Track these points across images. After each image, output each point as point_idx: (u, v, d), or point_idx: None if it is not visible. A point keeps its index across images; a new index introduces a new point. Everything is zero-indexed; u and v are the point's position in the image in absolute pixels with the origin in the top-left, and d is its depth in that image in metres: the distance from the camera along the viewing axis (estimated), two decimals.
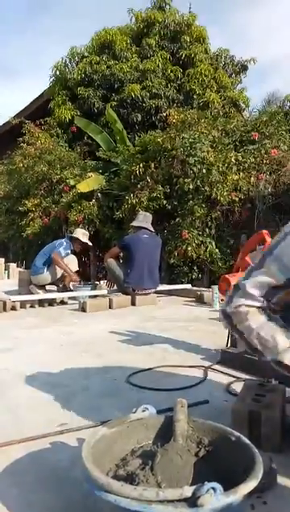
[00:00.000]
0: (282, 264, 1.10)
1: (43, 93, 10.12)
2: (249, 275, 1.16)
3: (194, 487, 0.67)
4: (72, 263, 4.76)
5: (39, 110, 9.98)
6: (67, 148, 8.67)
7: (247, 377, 1.81)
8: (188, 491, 0.67)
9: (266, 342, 1.10)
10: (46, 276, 4.61)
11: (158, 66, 8.66)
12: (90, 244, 5.31)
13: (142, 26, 9.27)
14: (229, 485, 0.72)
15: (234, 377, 1.83)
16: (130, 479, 0.80)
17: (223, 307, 1.22)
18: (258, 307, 1.14)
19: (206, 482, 0.67)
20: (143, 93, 8.41)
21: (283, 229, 1.18)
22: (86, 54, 9.37)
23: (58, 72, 9.52)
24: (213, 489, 0.66)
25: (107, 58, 8.96)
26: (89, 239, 5.11)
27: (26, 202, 8.17)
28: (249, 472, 0.76)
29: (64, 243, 4.71)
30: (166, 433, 0.96)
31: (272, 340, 1.09)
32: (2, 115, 10.35)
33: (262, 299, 1.13)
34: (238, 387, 1.64)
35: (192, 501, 0.66)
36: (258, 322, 1.12)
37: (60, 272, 4.64)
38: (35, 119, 9.30)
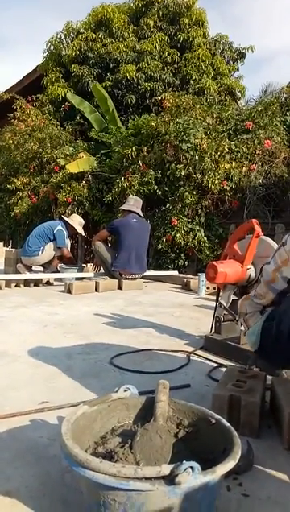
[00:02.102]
0: None
1: (36, 68, 9.85)
2: None
3: (172, 465, 0.68)
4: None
5: (31, 86, 9.72)
6: (58, 127, 8.50)
7: (229, 363, 1.84)
8: (166, 469, 0.67)
9: None
10: (40, 258, 4.58)
11: (155, 48, 8.48)
12: (83, 234, 5.32)
13: (140, 4, 9.04)
14: (207, 465, 0.72)
15: (216, 362, 1.85)
16: (109, 457, 0.81)
17: None
18: None
19: (184, 461, 0.68)
20: (139, 75, 8.25)
21: None
22: (82, 30, 9.11)
23: (52, 48, 9.26)
24: (191, 467, 0.67)
25: (103, 36, 8.73)
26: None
27: (15, 180, 8.03)
28: (227, 453, 0.77)
29: (64, 231, 4.61)
30: (147, 414, 0.97)
31: None
32: None
33: None
34: (219, 373, 1.66)
35: (169, 479, 0.67)
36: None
37: (52, 255, 4.61)
38: (27, 95, 9.07)
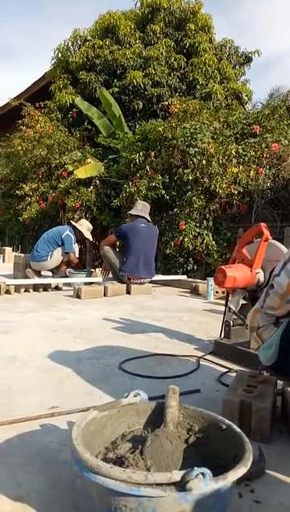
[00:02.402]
0: None
1: (44, 76, 9.97)
2: None
3: (183, 471, 0.67)
4: (75, 252, 4.79)
5: (39, 93, 9.84)
6: (66, 133, 8.58)
7: (239, 368, 1.83)
8: (177, 475, 0.67)
9: None
10: (48, 263, 4.60)
11: (161, 54, 8.53)
12: (91, 240, 5.34)
13: (146, 11, 9.11)
14: (218, 471, 0.72)
15: (226, 367, 1.84)
16: (119, 462, 0.81)
17: None
18: None
19: (195, 467, 0.68)
20: (146, 81, 8.30)
21: None
22: (89, 37, 9.21)
23: (60, 55, 9.37)
24: (203, 474, 0.67)
25: (110, 43, 8.81)
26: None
27: (24, 186, 8.11)
28: (239, 459, 0.77)
29: (72, 236, 4.62)
30: (157, 419, 0.96)
31: None
32: (1, 98, 10.17)
33: None
34: (229, 378, 1.65)
35: (181, 486, 0.66)
36: None
37: (61, 260, 4.63)
38: (36, 102, 9.18)
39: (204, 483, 0.66)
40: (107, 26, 8.93)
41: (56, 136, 8.14)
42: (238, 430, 0.87)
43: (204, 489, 0.66)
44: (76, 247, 4.76)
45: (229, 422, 0.91)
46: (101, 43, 8.78)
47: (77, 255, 4.90)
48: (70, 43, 9.44)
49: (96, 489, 0.74)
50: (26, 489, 0.94)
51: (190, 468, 0.68)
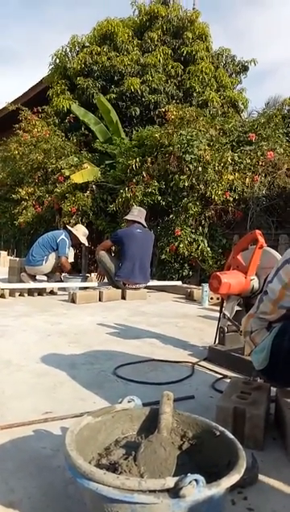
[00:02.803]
0: None
1: (41, 81, 10.01)
2: None
3: (177, 478, 0.67)
4: (69, 256, 4.75)
5: (36, 98, 9.88)
6: (63, 138, 8.60)
7: (233, 374, 1.83)
8: (170, 482, 0.67)
9: None
10: (43, 268, 4.57)
11: (159, 61, 8.60)
12: (87, 245, 5.31)
13: (144, 19, 9.20)
14: (211, 478, 0.72)
15: (220, 374, 1.84)
16: (112, 468, 0.80)
17: None
18: None
19: (189, 474, 0.68)
20: (143, 88, 8.36)
21: None
22: (87, 44, 9.27)
23: (58, 61, 9.42)
24: (196, 480, 0.67)
25: (108, 49, 8.88)
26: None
27: (20, 190, 8.10)
28: (232, 466, 0.77)
29: (66, 241, 4.60)
30: (151, 425, 0.96)
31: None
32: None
33: None
34: (224, 384, 1.65)
35: (174, 492, 0.66)
36: None
37: (56, 264, 4.61)
38: (33, 106, 9.20)
39: (197, 490, 0.66)
40: (105, 33, 9.00)
41: (53, 141, 8.15)
42: (232, 437, 0.87)
43: (197, 496, 0.66)
44: (70, 252, 4.74)
45: (223, 428, 0.91)
46: (99, 49, 8.85)
47: (72, 260, 4.86)
48: (68, 49, 9.49)
49: (89, 495, 0.74)
50: (19, 495, 0.93)
51: (183, 475, 0.68)
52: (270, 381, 1.39)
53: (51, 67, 9.57)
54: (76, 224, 5.82)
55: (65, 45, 9.43)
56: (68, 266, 4.64)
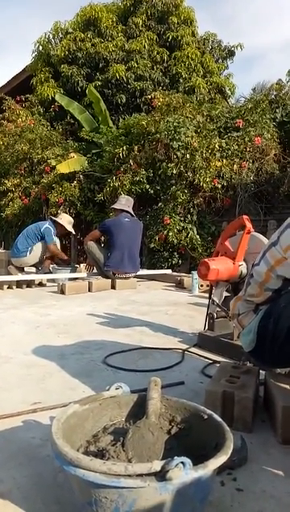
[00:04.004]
0: None
1: (25, 69, 9.79)
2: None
3: (163, 461, 0.67)
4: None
5: (20, 86, 9.66)
6: (48, 127, 8.46)
7: (223, 359, 1.84)
8: (157, 465, 0.67)
9: None
10: (28, 259, 4.53)
11: (144, 47, 8.48)
12: (73, 233, 5.26)
13: (128, 4, 9.03)
14: (199, 461, 0.72)
15: (210, 359, 1.85)
16: (100, 455, 0.80)
17: None
18: None
19: (176, 457, 0.67)
20: (128, 74, 8.25)
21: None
22: (70, 30, 9.08)
23: (41, 48, 9.22)
24: (183, 463, 0.67)
25: (92, 35, 8.71)
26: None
27: (6, 182, 7.98)
28: (219, 448, 0.77)
29: (51, 228, 4.56)
30: (139, 411, 0.96)
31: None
32: None
33: None
34: (213, 369, 1.66)
35: (161, 475, 0.66)
36: None
37: (41, 255, 4.57)
38: (16, 95, 9.01)
39: (184, 472, 0.66)
40: (89, 19, 8.82)
41: (38, 130, 8.01)
42: (219, 419, 0.88)
43: (184, 478, 0.66)
44: (56, 240, 4.69)
45: (211, 412, 0.91)
46: (82, 35, 8.67)
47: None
48: (51, 36, 9.29)
49: (76, 482, 0.73)
50: (8, 485, 0.92)
51: (170, 458, 0.67)
52: (258, 362, 1.41)
53: (34, 54, 9.38)
54: (60, 214, 5.75)
55: (48, 32, 9.23)
56: (58, 251, 4.58)
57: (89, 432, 0.91)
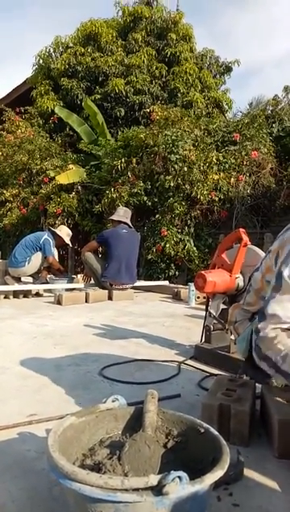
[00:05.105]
0: None
1: (25, 81, 9.92)
2: (268, 302, 1.13)
3: (160, 476, 0.67)
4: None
5: (20, 98, 9.78)
6: (48, 139, 8.54)
7: (219, 372, 1.84)
8: (153, 479, 0.66)
9: None
10: (26, 269, 4.53)
11: (143, 62, 8.62)
12: (70, 245, 5.30)
13: (128, 20, 9.21)
14: (196, 475, 0.72)
15: (206, 372, 1.84)
16: (97, 468, 0.80)
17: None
18: (286, 329, 1.09)
19: (172, 471, 0.67)
20: (128, 88, 8.37)
21: (284, 239, 1.17)
22: (71, 44, 9.24)
23: (41, 61, 9.36)
24: (179, 477, 0.67)
25: (92, 50, 8.86)
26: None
27: (5, 192, 8.02)
28: (216, 462, 0.77)
29: (50, 240, 4.57)
30: (135, 424, 0.96)
31: None
32: None
33: (289, 319, 1.08)
34: (210, 382, 1.65)
35: (157, 490, 0.66)
36: (287, 344, 1.07)
37: (39, 265, 4.57)
38: (16, 107, 9.11)
39: (181, 487, 0.66)
40: (89, 34, 8.98)
41: (37, 142, 8.09)
42: (216, 433, 0.87)
43: (181, 493, 0.66)
44: (54, 253, 4.70)
45: (208, 425, 0.91)
46: (82, 50, 8.82)
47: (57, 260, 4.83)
48: (52, 50, 9.44)
49: (72, 496, 0.73)
50: (3, 498, 0.92)
51: (167, 472, 0.67)
52: (253, 371, 1.40)
53: (34, 67, 9.51)
54: (59, 225, 5.79)
55: (49, 45, 9.38)
56: (56, 264, 4.61)
57: (86, 445, 0.91)
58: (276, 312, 1.08)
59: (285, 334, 1.07)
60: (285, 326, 1.08)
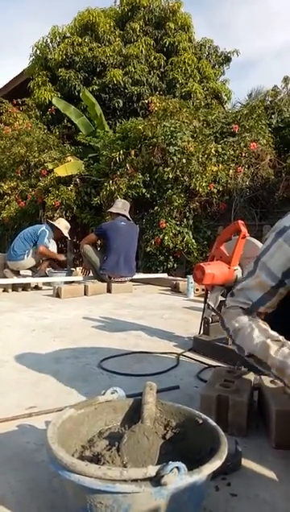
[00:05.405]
0: (268, 270, 1.15)
1: (22, 72, 9.82)
2: (243, 279, 1.23)
3: (158, 466, 0.68)
4: (52, 249, 4.69)
5: (17, 90, 9.70)
6: (45, 131, 8.48)
7: (218, 363, 1.85)
8: (152, 470, 0.67)
9: (243, 339, 1.15)
10: (26, 262, 4.52)
11: (141, 52, 8.53)
12: (69, 238, 5.27)
13: (126, 9, 9.09)
14: (194, 465, 0.72)
15: (205, 363, 1.85)
16: (96, 460, 0.80)
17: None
18: (244, 309, 1.19)
19: (171, 462, 0.68)
20: (126, 79, 8.29)
21: (273, 229, 1.19)
22: (68, 34, 9.12)
23: (38, 52, 9.25)
24: (177, 468, 0.67)
25: (90, 40, 8.76)
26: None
27: (3, 184, 7.98)
28: (214, 452, 0.78)
29: (47, 231, 4.57)
30: (134, 416, 0.96)
31: (249, 337, 1.14)
32: None
33: (250, 302, 1.18)
34: (208, 374, 1.66)
35: (155, 480, 0.66)
36: (240, 321, 1.17)
37: (38, 258, 4.56)
38: (13, 99, 9.03)
39: (179, 477, 0.67)
40: (86, 24, 8.87)
41: (35, 134, 8.03)
42: (214, 424, 0.88)
43: (179, 483, 0.67)
44: (53, 245, 4.69)
45: (206, 416, 0.92)
46: (80, 40, 8.72)
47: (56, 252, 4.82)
48: (49, 40, 9.33)
49: (71, 487, 0.73)
50: (2, 490, 0.92)
51: (165, 463, 0.68)
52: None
53: (31, 58, 9.40)
54: (57, 218, 5.78)
55: (46, 36, 9.27)
56: (48, 253, 4.53)
57: (85, 437, 0.91)
58: (242, 293, 1.20)
59: (242, 312, 1.19)
60: (245, 307, 1.18)
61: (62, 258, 4.77)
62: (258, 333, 1.12)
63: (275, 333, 1.12)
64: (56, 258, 4.67)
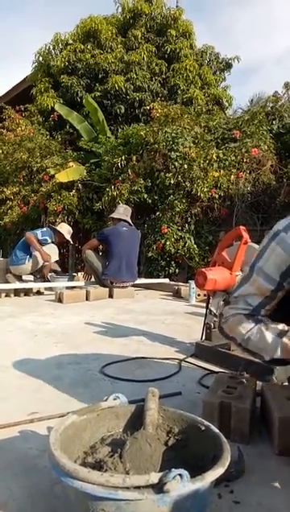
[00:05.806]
0: (265, 274, 1.15)
1: (25, 79, 9.90)
2: (238, 286, 1.23)
3: (161, 473, 0.67)
4: (53, 253, 4.69)
5: (20, 96, 9.77)
6: (48, 136, 8.53)
7: (220, 369, 1.84)
8: (154, 477, 0.67)
9: (257, 345, 1.15)
10: (27, 267, 4.53)
11: (143, 59, 8.60)
12: (71, 242, 5.28)
13: (128, 16, 9.18)
14: (197, 472, 0.72)
15: (207, 369, 1.85)
16: (98, 466, 0.80)
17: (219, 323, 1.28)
18: (246, 315, 1.18)
19: (173, 469, 0.68)
20: (127, 85, 8.35)
21: (267, 234, 1.20)
22: (70, 41, 9.21)
23: (41, 59, 9.33)
24: (180, 475, 0.67)
25: (92, 47, 8.83)
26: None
27: (5, 190, 8.02)
28: (217, 460, 0.77)
29: (45, 232, 4.63)
30: (136, 422, 0.96)
31: (262, 342, 1.14)
32: None
33: (250, 307, 1.18)
34: (210, 380, 1.65)
35: (158, 488, 0.66)
36: (247, 328, 1.17)
37: (40, 263, 4.56)
38: (16, 105, 9.10)
39: (181, 484, 0.67)
40: (88, 31, 8.95)
41: (38, 139, 8.08)
42: (217, 431, 0.88)
43: (181, 491, 0.67)
44: (55, 250, 4.70)
45: (208, 423, 0.92)
46: (82, 47, 8.79)
47: (56, 258, 4.80)
48: (51, 47, 9.41)
49: (74, 494, 0.73)
50: (4, 496, 0.92)
51: (168, 470, 0.68)
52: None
53: (34, 65, 9.49)
54: (59, 223, 5.81)
55: (48, 43, 9.36)
56: (32, 240, 4.42)
57: (87, 443, 0.91)
58: (241, 300, 1.20)
59: (245, 318, 1.18)
60: (246, 312, 1.18)
61: (48, 260, 4.48)
62: (270, 335, 1.12)
63: (282, 326, 1.12)
64: (40, 252, 4.44)
